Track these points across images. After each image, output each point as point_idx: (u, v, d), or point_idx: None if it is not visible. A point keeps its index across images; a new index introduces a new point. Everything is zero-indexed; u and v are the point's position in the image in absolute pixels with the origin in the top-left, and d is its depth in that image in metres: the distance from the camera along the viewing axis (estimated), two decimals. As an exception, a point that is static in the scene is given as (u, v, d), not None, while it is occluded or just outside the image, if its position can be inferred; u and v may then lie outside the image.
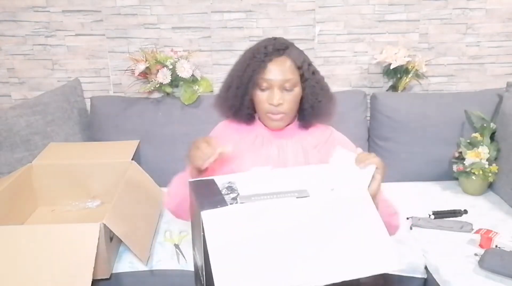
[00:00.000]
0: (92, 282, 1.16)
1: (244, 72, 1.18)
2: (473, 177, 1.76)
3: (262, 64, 1.15)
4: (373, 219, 0.91)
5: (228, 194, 0.95)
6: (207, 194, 0.96)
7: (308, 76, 1.19)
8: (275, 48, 1.17)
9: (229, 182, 1.00)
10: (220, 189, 0.97)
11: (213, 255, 0.83)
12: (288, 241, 0.86)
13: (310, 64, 1.22)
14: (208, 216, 0.87)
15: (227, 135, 1.29)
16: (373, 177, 1.00)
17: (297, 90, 1.18)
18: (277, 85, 1.15)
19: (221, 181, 1.01)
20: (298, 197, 0.91)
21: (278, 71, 1.15)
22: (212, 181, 1.02)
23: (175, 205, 1.20)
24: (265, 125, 1.26)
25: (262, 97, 1.18)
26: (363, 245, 0.88)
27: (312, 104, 1.21)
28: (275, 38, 1.22)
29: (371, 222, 0.91)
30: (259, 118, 1.28)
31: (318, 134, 1.28)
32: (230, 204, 0.91)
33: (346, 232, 0.89)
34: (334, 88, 2.09)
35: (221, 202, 0.91)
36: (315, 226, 0.88)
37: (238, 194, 0.95)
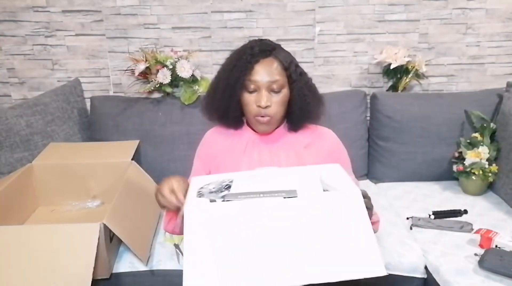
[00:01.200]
0: (92, 282, 1.16)
1: (230, 74, 1.16)
2: (473, 177, 1.76)
3: (248, 65, 1.14)
4: (362, 223, 0.88)
5: (221, 192, 0.94)
6: (198, 191, 0.96)
7: (295, 78, 1.17)
8: (262, 49, 1.15)
9: (228, 180, 0.99)
10: (218, 187, 0.97)
11: (187, 252, 0.83)
12: (269, 241, 0.85)
13: (297, 65, 1.20)
14: (189, 213, 0.87)
15: (217, 143, 1.28)
16: None
17: (285, 92, 1.17)
18: (265, 87, 1.14)
19: (220, 179, 1.01)
20: (286, 197, 0.90)
21: (265, 72, 1.13)
22: (210, 179, 1.02)
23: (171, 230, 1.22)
24: (253, 130, 1.25)
25: (249, 100, 1.16)
26: (348, 249, 0.85)
27: (301, 106, 1.20)
28: (261, 40, 1.20)
29: (359, 226, 0.88)
30: (247, 123, 1.26)
31: (308, 133, 1.26)
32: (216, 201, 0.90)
33: (330, 236, 0.86)
34: (334, 88, 2.13)
35: (207, 200, 0.90)
36: (299, 227, 0.87)
37: (228, 192, 0.94)
